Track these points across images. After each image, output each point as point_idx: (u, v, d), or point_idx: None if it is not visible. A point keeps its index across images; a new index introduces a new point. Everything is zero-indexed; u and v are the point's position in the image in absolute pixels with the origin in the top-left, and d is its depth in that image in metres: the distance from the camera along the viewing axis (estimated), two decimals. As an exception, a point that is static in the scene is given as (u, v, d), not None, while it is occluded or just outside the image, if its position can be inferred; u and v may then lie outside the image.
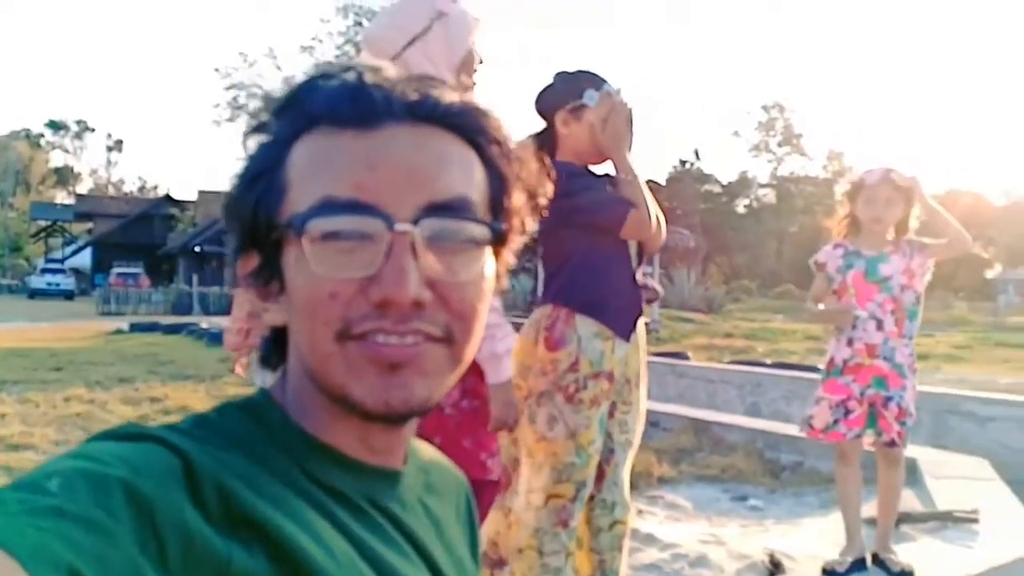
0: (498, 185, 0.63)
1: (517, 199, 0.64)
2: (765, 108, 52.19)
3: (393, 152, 0.58)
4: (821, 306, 3.39)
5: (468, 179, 0.60)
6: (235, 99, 46.30)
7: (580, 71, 2.53)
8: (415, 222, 0.57)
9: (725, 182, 52.81)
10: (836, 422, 3.23)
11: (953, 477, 4.36)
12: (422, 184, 0.58)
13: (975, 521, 3.61)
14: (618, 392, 2.47)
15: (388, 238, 0.56)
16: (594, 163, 2.49)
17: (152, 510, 0.47)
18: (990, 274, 40.46)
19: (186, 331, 16.45)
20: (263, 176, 0.60)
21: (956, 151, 77.14)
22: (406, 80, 0.61)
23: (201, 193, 43.33)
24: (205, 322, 18.32)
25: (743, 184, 53.21)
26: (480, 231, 0.60)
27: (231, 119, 46.85)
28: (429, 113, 0.60)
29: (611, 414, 2.48)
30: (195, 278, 30.86)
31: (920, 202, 3.19)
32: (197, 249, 35.93)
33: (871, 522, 3.44)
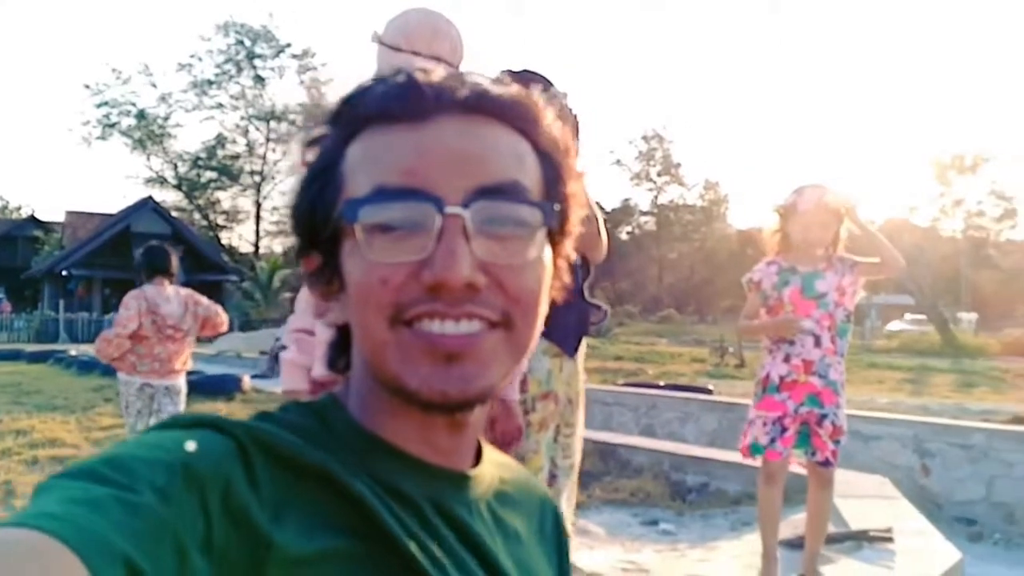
0: (552, 173, 0.62)
1: (572, 187, 0.64)
2: (645, 138, 53.77)
3: (442, 140, 0.58)
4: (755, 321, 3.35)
5: (519, 164, 0.60)
6: (107, 116, 44.31)
7: (527, 70, 2.44)
8: (465, 205, 0.56)
9: (609, 209, 54.05)
10: (772, 440, 3.18)
11: (860, 496, 4.44)
12: (472, 168, 0.57)
13: (890, 540, 3.66)
14: (562, 413, 2.34)
15: (439, 221, 0.56)
16: None
17: (204, 489, 0.48)
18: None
19: (53, 359, 15.42)
20: (319, 177, 0.61)
21: (822, 180, 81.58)
22: (455, 76, 0.61)
23: (69, 214, 40.98)
24: (74, 350, 17.19)
25: (626, 212, 54.56)
26: (532, 214, 0.59)
27: (102, 137, 44.80)
28: (478, 104, 0.60)
29: (555, 438, 2.35)
30: (61, 304, 29.07)
31: (855, 223, 3.20)
32: (64, 273, 33.88)
33: (785, 544, 3.43)
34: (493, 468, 0.69)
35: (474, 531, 0.61)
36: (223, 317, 4.91)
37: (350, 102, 0.62)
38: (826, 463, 3.18)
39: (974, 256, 43.15)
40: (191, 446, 0.50)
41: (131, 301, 4.60)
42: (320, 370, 1.98)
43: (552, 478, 2.38)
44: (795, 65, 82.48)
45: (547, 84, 2.37)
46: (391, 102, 0.59)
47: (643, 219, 54.80)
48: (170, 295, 4.72)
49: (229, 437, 0.52)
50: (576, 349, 2.36)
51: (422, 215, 0.56)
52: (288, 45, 46.12)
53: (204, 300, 4.87)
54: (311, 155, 0.63)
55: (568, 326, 2.35)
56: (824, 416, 3.15)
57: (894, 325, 35.39)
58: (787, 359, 3.19)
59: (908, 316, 37.50)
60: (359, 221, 0.56)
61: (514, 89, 0.62)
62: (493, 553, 0.61)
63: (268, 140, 47.48)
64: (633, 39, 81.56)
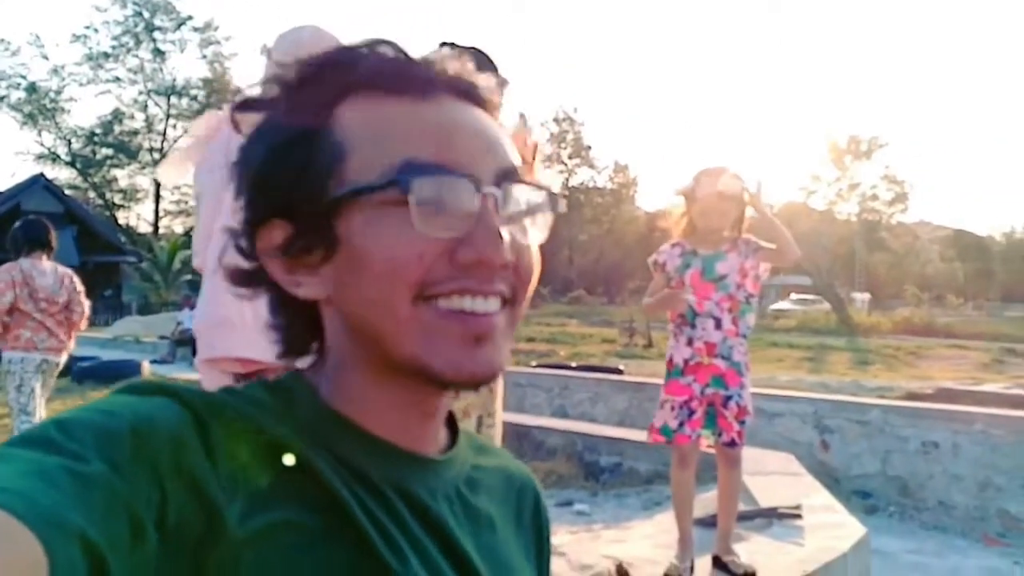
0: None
1: (540, 175, 0.61)
2: (556, 120, 54.04)
3: (462, 121, 0.59)
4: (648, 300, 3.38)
5: (513, 151, 0.62)
6: (-7, 89, 41.94)
7: (474, 48, 2.35)
8: (497, 185, 0.58)
9: (519, 191, 54.15)
10: (682, 424, 3.21)
11: (768, 473, 4.56)
12: (495, 151, 0.59)
13: (799, 516, 3.76)
14: (483, 403, 2.30)
15: (477, 200, 0.56)
16: None
17: (156, 459, 0.47)
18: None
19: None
20: (301, 142, 0.58)
21: (724, 164, 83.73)
22: (437, 57, 0.61)
23: (-49, 190, 38.69)
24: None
25: (536, 193, 54.76)
26: (543, 198, 0.61)
27: (-11, 110, 42.41)
28: (468, 90, 0.61)
29: (478, 428, 2.31)
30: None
31: (757, 209, 3.23)
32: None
33: (699, 522, 3.48)
34: (468, 453, 0.67)
35: (437, 516, 0.60)
36: (84, 311, 4.73)
37: (335, 65, 0.60)
38: (732, 443, 3.23)
39: (868, 238, 45.07)
40: (146, 414, 0.50)
41: (3, 273, 4.39)
42: (259, 353, 1.89)
43: None
44: (702, 48, 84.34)
45: (495, 68, 2.31)
46: (391, 72, 0.59)
47: (554, 201, 55.10)
48: (46, 269, 4.53)
49: (186, 407, 0.51)
50: None
51: (464, 193, 0.56)
52: (190, 18, 44.53)
53: (80, 287, 4.70)
54: (252, 117, 0.60)
55: None
56: (729, 397, 3.20)
57: (781, 304, 36.42)
58: (690, 342, 3.22)
59: (794, 296, 38.73)
60: (412, 192, 0.55)
61: (490, 79, 0.63)
62: (456, 538, 0.60)
63: (168, 116, 45.80)
64: (544, 19, 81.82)
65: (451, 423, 0.68)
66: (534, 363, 11.40)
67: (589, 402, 8.10)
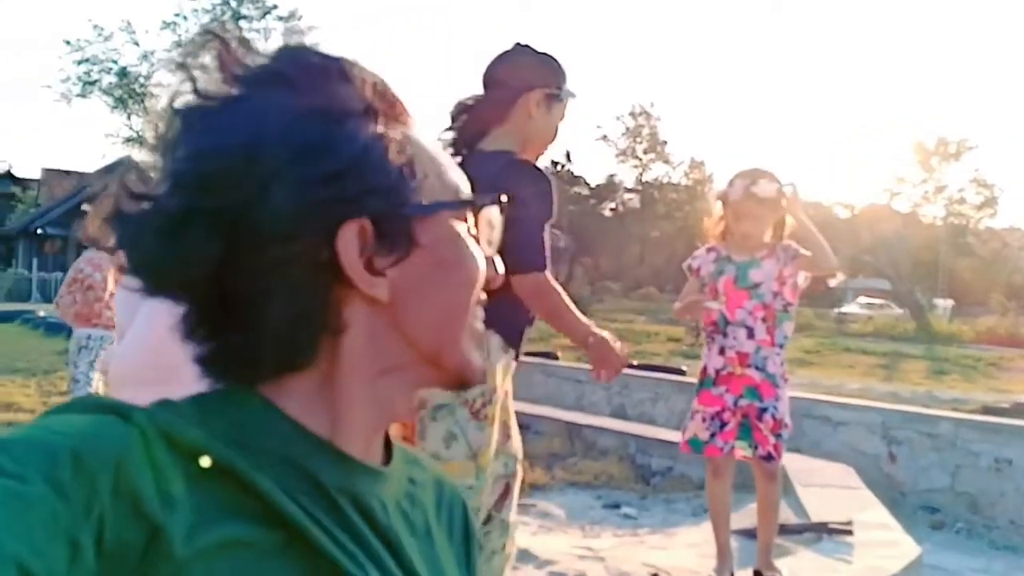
0: None
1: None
2: (632, 115, 53.44)
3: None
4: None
5: None
6: (87, 73, 43.56)
7: (549, 55, 2.32)
8: None
9: (593, 185, 53.80)
10: (713, 436, 3.12)
11: (823, 485, 4.41)
12: None
13: (849, 533, 3.62)
14: (504, 408, 2.27)
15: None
16: (537, 156, 2.33)
17: (96, 478, 0.47)
18: (832, 283, 42.94)
19: (20, 319, 15.23)
20: (399, 150, 0.61)
21: (806, 164, 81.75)
22: None
23: (45, 171, 40.31)
24: (43, 310, 16.91)
25: (610, 188, 54.30)
26: None
27: (82, 95, 44.06)
28: None
29: (508, 434, 2.29)
30: (35, 262, 28.69)
31: (793, 214, 3.10)
32: (39, 231, 33.39)
33: (743, 533, 3.38)
34: (404, 466, 0.68)
35: (390, 527, 0.61)
36: None
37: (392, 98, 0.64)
38: (768, 457, 3.11)
39: (953, 243, 43.43)
40: (90, 433, 0.49)
41: (104, 256, 4.54)
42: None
43: (514, 472, 2.30)
44: (784, 45, 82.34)
45: (564, 78, 2.33)
46: (394, 97, 0.65)
47: (627, 196, 54.61)
48: None
49: (131, 425, 0.51)
50: (519, 348, 2.28)
51: (496, 219, 0.70)
52: (275, 7, 45.43)
53: None
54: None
55: (518, 323, 2.24)
56: (764, 410, 3.08)
57: (849, 308, 35.20)
58: (722, 351, 3.12)
59: (862, 300, 37.41)
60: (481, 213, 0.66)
61: None
62: (407, 550, 0.61)
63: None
64: (623, 14, 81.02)
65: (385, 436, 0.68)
66: (595, 360, 11.26)
67: (649, 402, 7.97)
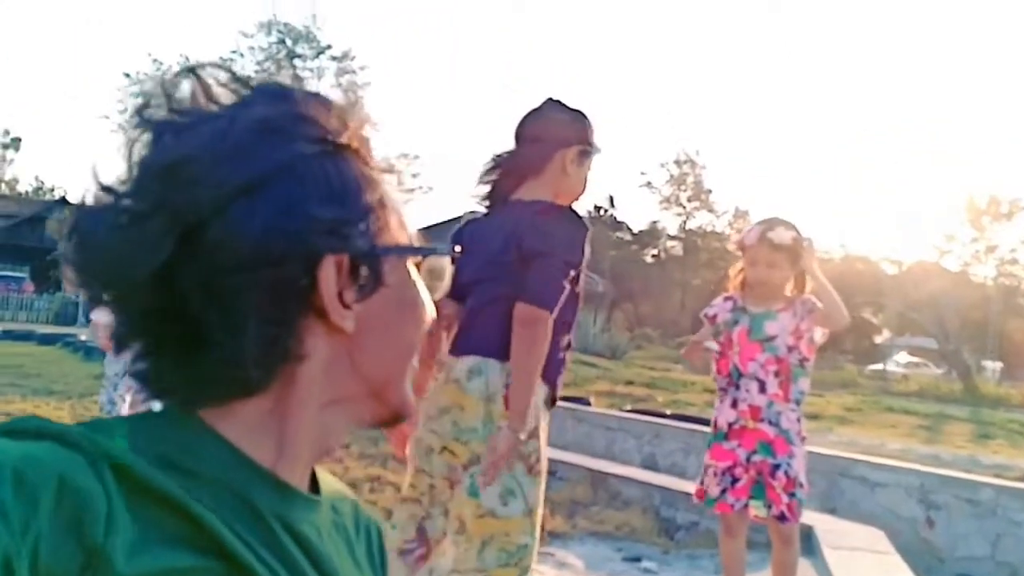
0: None
1: None
2: (677, 163, 53.46)
3: None
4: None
5: None
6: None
7: (581, 111, 2.40)
8: None
9: (636, 231, 53.74)
10: (724, 492, 3.01)
11: (851, 548, 4.24)
12: None
13: (874, 600, 3.46)
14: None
15: None
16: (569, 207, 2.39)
17: (37, 502, 0.47)
18: (879, 339, 42.15)
19: (62, 342, 15.47)
20: (372, 189, 0.64)
21: (853, 218, 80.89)
22: None
23: (99, 199, 41.34)
24: (84, 334, 17.22)
25: (652, 234, 54.25)
26: None
27: (138, 126, 45.44)
28: None
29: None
30: (83, 287, 29.27)
31: (806, 265, 3.02)
32: (89, 257, 34.04)
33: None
34: (328, 492, 0.69)
35: (323, 555, 0.62)
36: None
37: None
38: (782, 517, 2.97)
39: (1004, 304, 42.39)
40: (32, 456, 0.49)
41: None
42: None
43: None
44: (832, 97, 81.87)
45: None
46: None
47: (670, 243, 54.48)
48: None
49: (72, 448, 0.51)
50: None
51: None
52: (329, 47, 46.55)
53: None
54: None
55: (559, 375, 2.25)
56: (777, 466, 2.96)
57: (889, 365, 34.27)
58: (734, 404, 3.03)
59: (904, 358, 36.44)
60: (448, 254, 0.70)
61: None
62: (335, 573, 0.62)
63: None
64: (673, 64, 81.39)
65: None
66: (627, 407, 11.14)
67: (681, 453, 7.81)
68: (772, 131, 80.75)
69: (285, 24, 44.82)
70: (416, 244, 0.67)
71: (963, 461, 9.18)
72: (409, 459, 2.32)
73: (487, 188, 2.42)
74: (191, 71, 0.61)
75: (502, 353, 2.17)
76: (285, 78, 0.65)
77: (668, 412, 10.25)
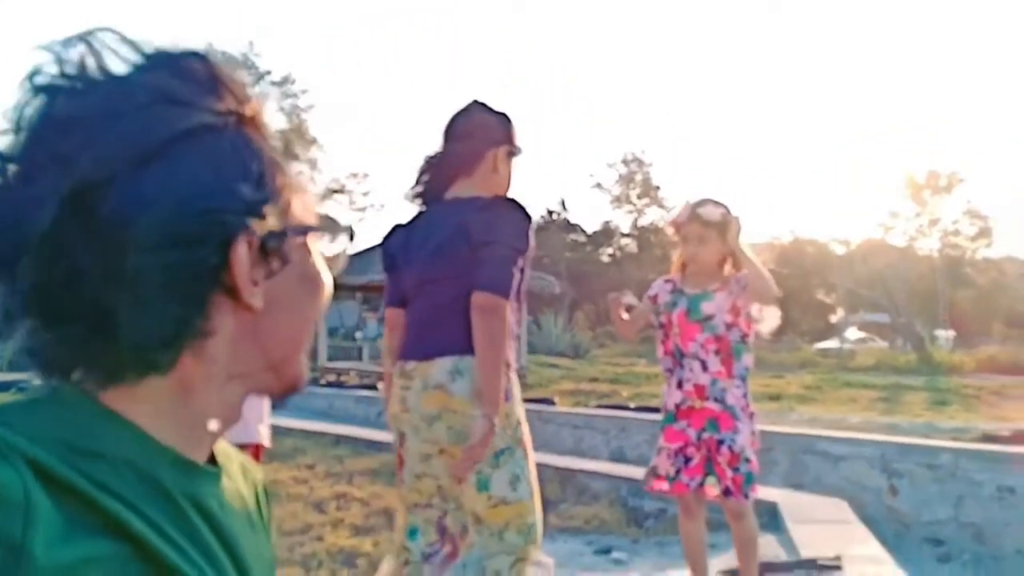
0: None
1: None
2: (625, 162, 53.90)
3: None
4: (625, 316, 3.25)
5: None
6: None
7: (504, 113, 2.50)
8: None
9: (590, 232, 54.04)
10: (678, 472, 3.03)
11: (814, 521, 4.31)
12: None
13: (839, 568, 3.52)
14: None
15: None
16: None
17: None
18: (834, 318, 42.87)
19: (15, 388, 15.07)
20: (276, 167, 0.63)
21: (800, 203, 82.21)
22: None
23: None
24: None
25: (606, 234, 54.60)
26: None
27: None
28: None
29: None
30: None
31: (730, 240, 3.06)
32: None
33: (730, 574, 3.28)
34: (221, 460, 0.69)
35: (227, 528, 0.63)
36: None
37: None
38: (727, 492, 3.00)
39: (951, 275, 43.41)
40: None
41: None
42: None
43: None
44: (770, 87, 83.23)
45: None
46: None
47: (624, 241, 54.88)
48: None
49: None
50: None
51: None
52: (268, 72, 46.16)
53: None
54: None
55: (514, 349, 2.33)
56: (721, 441, 3.00)
57: (826, 344, 34.56)
58: (679, 385, 3.07)
59: (854, 334, 36.91)
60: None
61: None
62: (241, 548, 0.64)
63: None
64: (611, 63, 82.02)
65: None
66: (592, 404, 11.19)
67: (648, 444, 7.85)
68: (714, 124, 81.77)
69: (223, 52, 44.31)
70: (317, 223, 0.67)
71: (921, 428, 9.37)
72: (405, 472, 2.37)
73: (420, 188, 2.48)
74: (82, 38, 0.58)
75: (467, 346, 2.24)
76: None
77: (632, 405, 10.32)
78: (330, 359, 19.35)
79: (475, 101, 2.53)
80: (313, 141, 43.30)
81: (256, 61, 45.18)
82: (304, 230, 0.65)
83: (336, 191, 42.09)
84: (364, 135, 66.40)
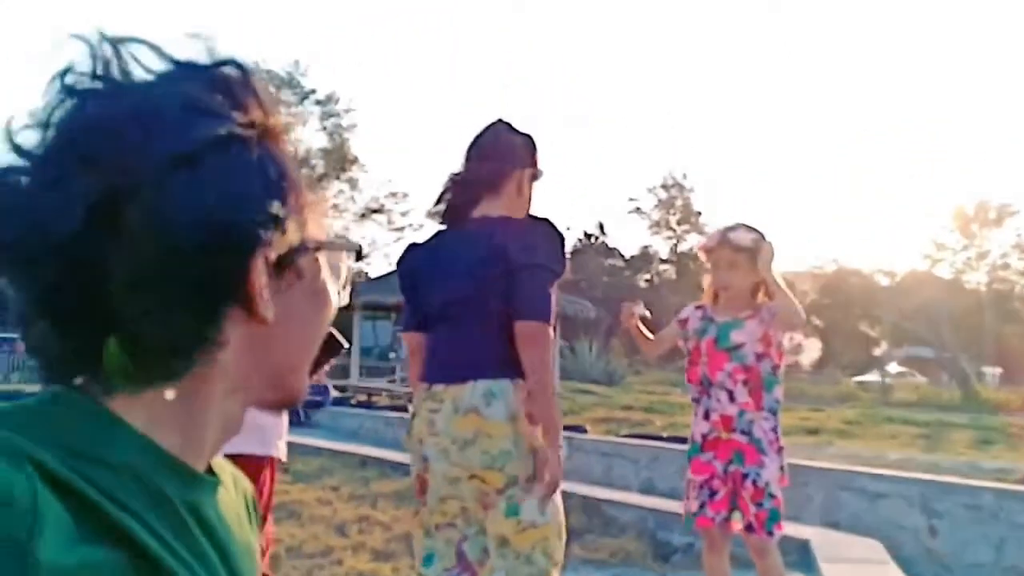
0: None
1: None
2: (665, 187, 53.74)
3: None
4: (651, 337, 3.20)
5: None
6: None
7: (527, 133, 2.47)
8: None
9: (628, 256, 53.85)
10: (703, 506, 2.94)
11: (847, 560, 4.17)
12: None
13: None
14: None
15: None
16: None
17: None
18: (877, 351, 42.10)
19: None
20: (289, 190, 0.62)
21: (846, 232, 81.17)
22: None
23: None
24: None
25: (644, 259, 54.38)
26: None
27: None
28: None
29: None
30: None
31: (761, 266, 2.97)
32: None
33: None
34: (217, 470, 0.69)
35: (224, 538, 0.63)
36: None
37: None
38: (749, 528, 2.90)
39: (999, 309, 42.45)
40: None
41: None
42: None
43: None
44: (819, 113, 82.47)
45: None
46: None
47: (662, 267, 54.61)
48: None
49: None
50: None
51: None
52: (313, 91, 46.92)
53: None
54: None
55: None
56: (746, 475, 2.90)
57: (865, 377, 33.63)
58: (707, 415, 2.97)
59: (895, 368, 35.93)
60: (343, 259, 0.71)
61: None
62: (236, 558, 0.64)
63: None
64: (657, 86, 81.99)
65: None
66: (624, 432, 11.04)
67: (678, 475, 7.71)
68: (758, 150, 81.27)
69: (268, 71, 45.25)
70: (329, 239, 0.68)
71: (963, 467, 9.09)
72: (429, 495, 2.33)
73: (443, 206, 2.44)
74: (114, 42, 0.58)
75: (510, 371, 2.21)
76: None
77: (665, 435, 10.17)
78: (363, 378, 19.41)
79: (500, 120, 2.49)
80: (354, 160, 43.59)
81: (301, 80, 45.99)
82: (319, 246, 0.66)
83: (375, 211, 42.32)
84: (403, 154, 67.18)
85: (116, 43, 0.58)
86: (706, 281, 3.22)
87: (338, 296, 0.70)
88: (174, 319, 0.55)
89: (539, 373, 2.19)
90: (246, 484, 0.77)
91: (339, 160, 43.70)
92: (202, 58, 0.61)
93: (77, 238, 0.52)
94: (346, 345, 0.83)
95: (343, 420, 12.08)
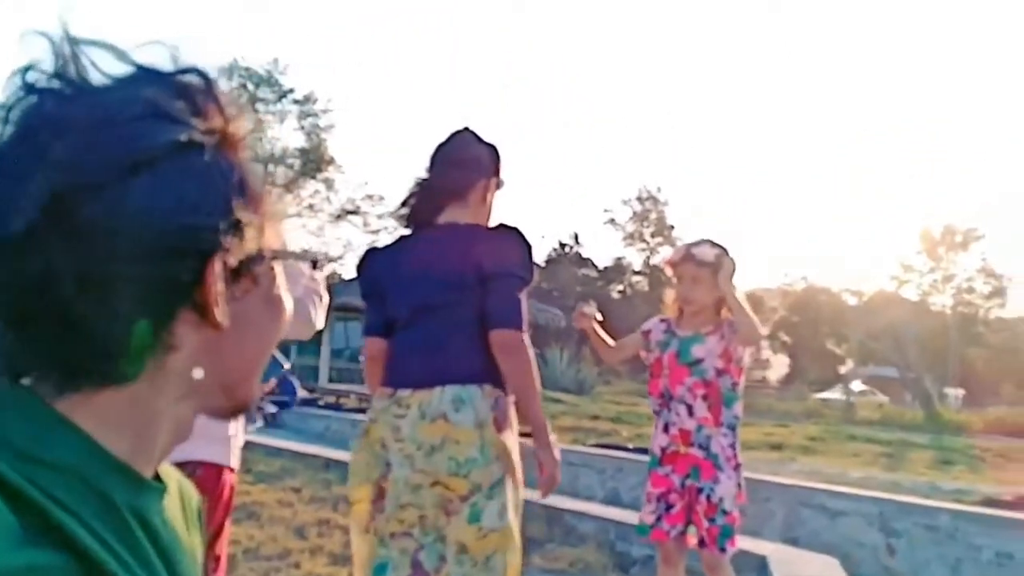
0: None
1: None
2: (640, 199, 54.00)
3: None
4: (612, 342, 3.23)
5: None
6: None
7: (491, 143, 2.50)
8: None
9: (601, 267, 54.02)
10: (659, 519, 2.95)
11: (804, 578, 4.19)
12: None
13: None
14: None
15: None
16: None
17: None
18: (842, 369, 42.56)
19: None
20: (257, 200, 0.63)
21: (815, 250, 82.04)
22: None
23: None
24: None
25: (618, 270, 54.58)
26: None
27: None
28: None
29: None
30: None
31: (720, 281, 2.99)
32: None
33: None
34: (164, 477, 0.69)
35: (169, 544, 0.63)
36: None
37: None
38: (701, 543, 2.91)
39: (963, 332, 43.11)
40: None
41: None
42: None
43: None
44: (794, 131, 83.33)
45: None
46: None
47: (635, 279, 54.83)
48: None
49: None
50: None
51: None
52: (291, 91, 46.56)
53: None
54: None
55: None
56: (700, 490, 2.92)
57: (826, 394, 33.86)
58: (666, 429, 2.99)
59: (857, 387, 36.13)
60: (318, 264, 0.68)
61: None
62: (180, 566, 0.64)
63: (264, 183, 47.54)
64: (633, 100, 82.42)
65: None
66: (590, 442, 11.05)
67: (642, 487, 7.72)
68: (732, 167, 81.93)
69: (247, 68, 44.85)
70: (286, 247, 0.68)
71: (923, 488, 9.20)
72: (387, 502, 2.30)
73: (407, 210, 2.46)
74: (78, 43, 0.58)
75: (480, 377, 2.22)
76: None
77: (631, 446, 10.18)
78: (332, 381, 19.29)
79: (467, 128, 2.52)
80: (331, 161, 43.30)
81: (280, 79, 45.68)
82: (276, 255, 0.66)
83: (351, 212, 42.06)
84: (381, 156, 66.81)
85: (75, 44, 0.57)
86: (670, 295, 3.24)
87: (317, 318, 0.74)
88: (124, 326, 0.55)
89: (521, 379, 2.23)
90: (192, 492, 0.76)
91: (316, 160, 43.41)
92: (166, 64, 0.61)
93: (29, 236, 0.52)
94: (286, 365, 0.84)
95: (310, 422, 11.97)
